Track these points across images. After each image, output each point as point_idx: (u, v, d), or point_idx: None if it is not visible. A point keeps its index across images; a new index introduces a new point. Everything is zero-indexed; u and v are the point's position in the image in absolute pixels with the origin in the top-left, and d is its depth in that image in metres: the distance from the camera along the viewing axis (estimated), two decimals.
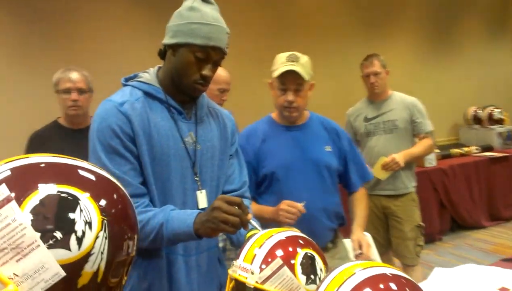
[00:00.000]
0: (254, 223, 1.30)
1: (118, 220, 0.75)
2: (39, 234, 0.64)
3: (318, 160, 2.09)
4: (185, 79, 1.44)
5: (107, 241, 0.70)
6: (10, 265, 0.63)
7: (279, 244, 1.20)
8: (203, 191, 1.53)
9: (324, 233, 2.11)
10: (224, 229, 1.24)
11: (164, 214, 1.35)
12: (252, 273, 1.16)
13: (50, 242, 0.64)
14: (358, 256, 2.05)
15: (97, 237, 0.68)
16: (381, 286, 0.83)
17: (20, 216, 0.64)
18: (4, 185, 0.65)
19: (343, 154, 2.19)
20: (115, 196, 0.76)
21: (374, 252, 2.27)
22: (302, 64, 1.98)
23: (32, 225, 0.64)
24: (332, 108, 5.20)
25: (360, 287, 0.84)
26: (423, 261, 3.41)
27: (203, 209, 1.49)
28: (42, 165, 0.73)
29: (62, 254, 0.65)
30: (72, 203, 0.68)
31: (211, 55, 1.42)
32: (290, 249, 1.19)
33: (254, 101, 4.65)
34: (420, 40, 6.33)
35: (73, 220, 0.67)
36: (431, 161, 4.79)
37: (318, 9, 5.41)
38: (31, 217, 0.64)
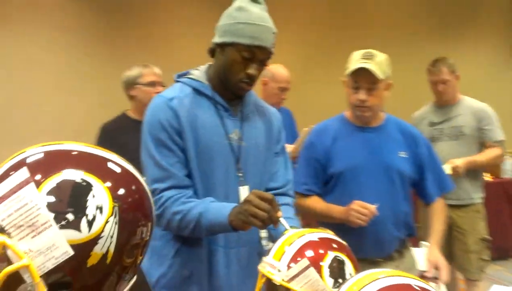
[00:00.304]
0: (283, 221, 1.30)
1: (133, 208, 0.80)
2: (52, 215, 0.70)
3: (390, 165, 2.00)
4: (231, 78, 1.48)
5: (117, 226, 0.74)
6: (26, 241, 0.69)
7: (310, 244, 1.20)
8: (246, 187, 1.56)
9: (390, 241, 2.03)
10: (252, 222, 1.26)
11: (203, 205, 1.41)
12: (279, 270, 1.17)
13: (62, 222, 0.70)
14: (431, 280, 1.91)
15: (107, 222, 0.73)
16: None
17: (36, 197, 0.70)
18: (25, 168, 0.72)
19: (420, 161, 2.07)
20: (133, 187, 0.82)
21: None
22: (378, 62, 1.91)
23: (47, 206, 0.70)
24: (402, 111, 5.07)
25: None
26: (492, 277, 3.22)
27: None
28: (74, 153, 0.80)
29: (73, 234, 0.70)
30: (85, 188, 0.73)
31: (257, 54, 1.46)
32: (321, 250, 1.18)
33: (318, 101, 4.64)
34: (498, 41, 5.93)
35: (85, 204, 0.72)
36: (507, 171, 4.49)
37: (389, 7, 5.25)
38: (47, 198, 0.70)
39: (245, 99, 1.60)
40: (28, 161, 0.76)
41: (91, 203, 0.72)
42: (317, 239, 1.22)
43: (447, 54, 5.27)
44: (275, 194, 1.61)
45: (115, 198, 0.76)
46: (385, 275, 0.89)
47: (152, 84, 2.67)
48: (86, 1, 4.03)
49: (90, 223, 0.72)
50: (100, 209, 0.73)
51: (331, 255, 1.18)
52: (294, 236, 1.23)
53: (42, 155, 0.78)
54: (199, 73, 1.58)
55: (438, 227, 2.10)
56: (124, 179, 0.81)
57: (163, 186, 1.45)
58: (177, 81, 1.59)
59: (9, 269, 0.67)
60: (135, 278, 0.85)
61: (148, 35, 4.23)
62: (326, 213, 2.01)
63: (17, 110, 3.89)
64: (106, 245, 0.73)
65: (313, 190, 2.09)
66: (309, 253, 1.18)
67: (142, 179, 0.85)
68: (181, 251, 1.53)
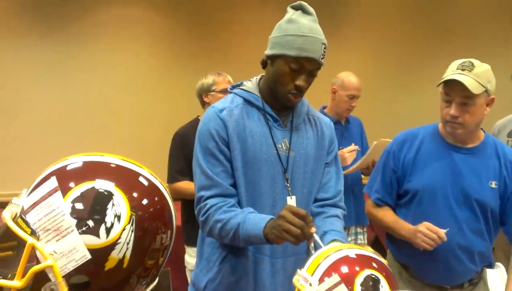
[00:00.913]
0: (317, 237, 1.28)
1: (153, 217, 0.86)
2: (75, 221, 0.77)
3: (472, 193, 1.78)
4: (280, 89, 1.50)
5: (133, 233, 0.80)
6: (52, 243, 0.77)
7: (345, 260, 1.15)
8: (293, 197, 1.56)
9: (462, 272, 1.84)
10: (285, 238, 1.26)
11: (242, 215, 1.42)
12: (311, 284, 1.16)
13: (83, 228, 0.77)
14: None
15: (124, 229, 0.80)
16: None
17: (62, 204, 0.78)
18: (54, 177, 0.81)
19: (510, 195, 1.81)
20: (156, 198, 0.89)
21: None
22: (476, 74, 1.67)
23: (70, 212, 0.78)
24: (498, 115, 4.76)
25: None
26: None
27: None
28: (112, 165, 0.89)
29: (92, 240, 0.78)
30: (106, 198, 0.80)
31: (305, 65, 1.46)
32: (356, 267, 1.13)
33: (394, 110, 4.48)
34: None
35: (105, 212, 0.79)
36: None
37: (474, 12, 4.94)
38: (71, 206, 0.78)
39: (296, 109, 1.60)
40: (63, 169, 0.85)
41: (110, 211, 0.79)
42: (354, 256, 1.17)
43: None
44: (325, 205, 1.63)
45: (133, 207, 0.82)
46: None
47: (225, 91, 2.78)
48: (173, 16, 4.26)
49: (108, 230, 0.78)
50: (118, 217, 0.80)
51: (366, 272, 1.12)
52: (330, 250, 1.20)
53: (80, 164, 0.87)
54: (251, 84, 1.61)
55: None
56: (149, 191, 0.88)
57: (208, 194, 1.48)
58: (231, 92, 1.64)
59: (36, 268, 0.76)
60: (155, 281, 0.91)
61: (226, 48, 4.37)
62: (393, 228, 1.88)
63: (102, 113, 4.20)
64: (123, 250, 0.80)
65: (385, 200, 1.95)
66: (344, 269, 1.14)
67: (166, 193, 0.91)
68: (229, 258, 1.56)
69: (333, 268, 1.14)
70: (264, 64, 1.59)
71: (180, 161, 2.65)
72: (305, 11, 1.50)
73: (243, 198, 1.52)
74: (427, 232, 1.70)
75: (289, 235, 1.24)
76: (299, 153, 1.58)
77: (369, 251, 1.23)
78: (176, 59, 4.33)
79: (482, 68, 1.71)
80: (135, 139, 4.24)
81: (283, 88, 1.49)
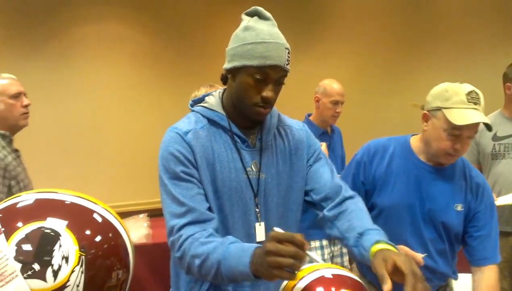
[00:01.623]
0: (312, 254, 1.14)
1: (107, 255, 0.83)
2: (20, 265, 0.74)
3: (438, 216, 1.77)
4: (246, 103, 1.37)
5: (83, 275, 0.77)
6: None
7: (321, 281, 1.12)
8: (262, 224, 1.45)
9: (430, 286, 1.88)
10: (279, 276, 1.07)
11: (222, 249, 1.24)
12: None
13: (29, 272, 0.74)
14: None
15: (73, 271, 0.76)
16: None
17: (5, 248, 0.75)
18: None
19: (474, 218, 1.79)
20: (110, 234, 0.85)
21: None
22: (483, 107, 1.65)
23: (14, 257, 0.74)
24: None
25: None
26: None
27: (261, 242, 1.38)
28: (67, 202, 0.86)
29: (38, 284, 0.74)
30: (53, 238, 0.77)
31: (270, 74, 1.33)
32: (332, 288, 1.10)
33: (378, 117, 4.47)
34: None
35: (51, 254, 0.75)
36: None
37: (457, 14, 4.95)
38: (15, 249, 0.75)
39: (265, 125, 1.48)
40: (13, 207, 0.82)
41: (57, 253, 0.76)
42: (330, 276, 1.14)
43: None
44: (336, 205, 1.45)
45: (83, 247, 0.79)
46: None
47: None
48: (156, 32, 4.25)
49: (55, 273, 0.75)
50: (66, 258, 0.76)
51: None
52: (306, 270, 1.17)
53: (32, 201, 0.84)
54: (214, 100, 1.48)
55: None
56: (102, 228, 0.85)
57: (182, 222, 1.32)
58: (192, 110, 1.51)
59: None
60: None
61: (210, 62, 4.37)
62: None
63: (87, 131, 4.17)
64: None
65: None
66: (319, 290, 1.12)
67: (122, 228, 0.88)
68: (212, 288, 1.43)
69: (308, 289, 1.11)
70: (224, 80, 1.46)
71: None
72: (261, 17, 1.38)
73: (218, 227, 1.38)
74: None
75: (282, 271, 1.06)
76: (270, 173, 1.46)
77: (345, 270, 1.19)
78: (160, 75, 4.31)
79: (482, 97, 1.67)
80: (121, 156, 4.20)
81: (249, 102, 1.36)
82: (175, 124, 1.44)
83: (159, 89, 4.30)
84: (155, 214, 3.55)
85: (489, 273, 1.76)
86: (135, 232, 3.03)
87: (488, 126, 1.65)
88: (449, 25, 4.92)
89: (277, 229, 1.14)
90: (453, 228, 1.78)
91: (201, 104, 1.50)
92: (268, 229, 1.45)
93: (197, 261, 1.25)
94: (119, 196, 3.92)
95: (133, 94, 4.26)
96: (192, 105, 1.52)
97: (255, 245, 1.20)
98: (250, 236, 1.42)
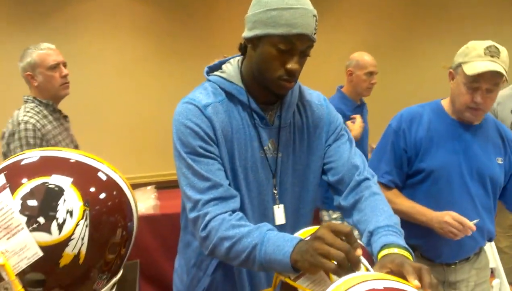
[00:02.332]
0: (365, 261, 1.00)
1: (111, 212, 0.84)
2: (25, 219, 0.75)
3: (486, 171, 1.82)
4: (269, 77, 1.26)
5: (88, 228, 0.79)
6: (2, 242, 0.76)
7: None
8: (281, 206, 1.38)
9: (471, 248, 1.89)
10: (323, 265, 0.96)
11: (259, 234, 1.15)
12: None
13: (34, 226, 0.75)
14: None
15: (77, 225, 0.78)
16: None
17: (11, 202, 0.76)
18: (2, 174, 0.79)
19: None
20: (114, 192, 0.86)
21: None
22: (503, 60, 1.66)
23: (20, 210, 0.76)
24: None
25: None
26: None
27: (281, 226, 1.36)
28: (71, 160, 0.87)
29: (44, 237, 0.76)
30: (57, 193, 0.78)
31: (296, 45, 1.21)
32: None
33: (390, 92, 4.42)
34: None
35: (56, 208, 0.77)
36: None
37: None
38: (20, 203, 0.76)
39: (285, 100, 1.37)
40: (17, 164, 0.83)
41: (62, 207, 0.77)
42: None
43: None
44: (353, 189, 1.35)
45: (87, 202, 0.80)
46: (375, 278, 0.85)
47: None
48: (156, 4, 4.20)
49: (60, 226, 0.76)
50: (70, 212, 0.78)
51: None
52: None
53: (37, 159, 0.85)
54: (232, 70, 1.36)
55: None
56: (107, 186, 0.86)
57: (207, 197, 1.22)
58: (208, 80, 1.39)
59: None
60: (119, 274, 0.90)
61: (210, 32, 4.33)
62: (411, 214, 1.78)
63: (90, 105, 4.17)
64: (78, 246, 0.78)
65: (395, 182, 1.88)
66: None
67: (126, 187, 0.89)
68: (221, 265, 1.39)
69: None
70: (243, 50, 1.35)
71: None
72: None
73: None
74: (456, 224, 1.66)
75: (327, 262, 0.96)
76: (287, 152, 1.38)
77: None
78: (162, 47, 4.29)
79: (505, 52, 1.69)
80: (126, 129, 4.22)
81: (273, 75, 1.25)
82: (191, 95, 1.34)
83: (161, 61, 4.29)
84: (162, 187, 3.59)
85: None
86: (143, 203, 3.07)
87: (501, 75, 1.65)
88: (459, 3, 4.83)
89: (364, 260, 1.00)
90: (498, 181, 1.84)
91: (218, 73, 1.38)
92: (285, 211, 1.39)
93: (226, 243, 1.17)
94: (124, 170, 3.94)
95: (135, 67, 4.25)
96: (208, 73, 1.41)
97: (299, 237, 1.11)
98: (266, 217, 1.35)
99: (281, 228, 1.30)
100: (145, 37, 4.26)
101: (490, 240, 1.94)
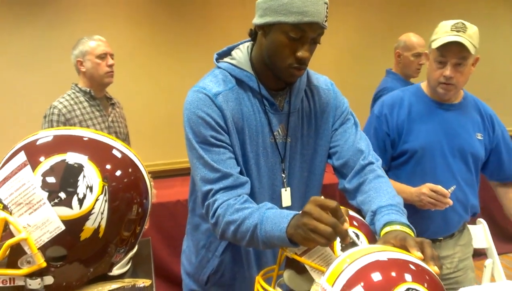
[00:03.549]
0: (352, 235, 1.07)
1: (128, 188, 0.87)
2: (46, 194, 0.78)
3: (466, 148, 1.90)
4: (279, 64, 1.27)
5: (107, 203, 0.81)
6: (24, 217, 0.78)
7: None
8: (288, 189, 1.41)
9: (457, 222, 1.94)
10: (314, 239, 1.02)
11: (259, 214, 1.20)
12: None
13: (55, 200, 0.78)
14: None
15: (97, 200, 0.80)
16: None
17: (32, 178, 0.78)
18: (22, 152, 0.81)
19: (494, 145, 1.96)
20: (130, 170, 0.89)
21: None
22: (470, 35, 1.75)
23: (41, 186, 0.78)
24: (477, 82, 4.76)
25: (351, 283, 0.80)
26: None
27: (287, 208, 1.39)
28: (85, 138, 0.89)
29: (65, 211, 0.78)
30: (76, 170, 0.80)
31: (308, 32, 1.21)
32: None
33: (370, 83, 4.47)
34: None
35: (76, 183, 0.79)
36: None
37: None
38: (41, 179, 0.78)
39: (294, 86, 1.39)
40: (33, 143, 0.85)
41: (82, 183, 0.80)
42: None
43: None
44: (357, 172, 1.38)
45: (106, 178, 0.82)
46: (380, 250, 0.88)
47: None
48: None
49: (81, 201, 0.79)
50: (90, 188, 0.80)
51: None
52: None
53: (51, 138, 0.87)
54: (242, 56, 1.38)
55: None
56: (122, 163, 0.89)
57: (217, 187, 1.26)
58: (218, 67, 1.40)
59: (10, 241, 0.77)
60: (135, 249, 0.93)
61: (206, 22, 4.32)
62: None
63: None
64: (98, 220, 0.80)
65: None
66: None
67: (141, 165, 0.92)
68: (230, 247, 1.42)
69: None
70: (253, 36, 1.35)
71: None
72: None
73: None
74: (432, 194, 1.73)
75: (318, 235, 1.01)
76: (295, 137, 1.41)
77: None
78: (158, 38, 4.26)
79: (473, 29, 1.76)
80: None
81: (283, 63, 1.26)
82: (201, 84, 1.35)
83: (157, 52, 4.27)
84: (157, 176, 3.60)
85: None
86: None
87: (463, 46, 1.71)
88: None
89: (352, 233, 1.07)
90: (478, 156, 1.90)
91: (228, 60, 1.39)
92: (292, 194, 1.42)
93: (232, 227, 1.21)
94: None
95: (131, 58, 4.23)
96: (217, 60, 1.42)
97: (294, 212, 1.14)
98: (274, 200, 1.38)
99: (288, 209, 1.34)
100: (140, 28, 4.23)
101: (474, 215, 2.00)
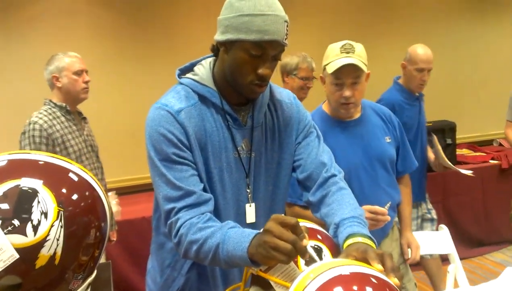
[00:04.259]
0: (312, 252, 1.10)
1: (85, 212, 0.85)
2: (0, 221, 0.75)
3: (383, 155, 1.97)
4: (241, 81, 1.28)
5: (62, 229, 0.79)
6: None
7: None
8: (253, 205, 1.41)
9: (389, 224, 2.02)
10: (274, 257, 1.02)
11: (221, 233, 1.19)
12: None
13: (9, 228, 0.76)
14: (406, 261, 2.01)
15: (52, 226, 0.78)
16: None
17: None
18: None
19: (397, 142, 2.07)
20: (86, 193, 0.87)
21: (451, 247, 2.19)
22: (359, 54, 1.81)
23: None
24: (446, 91, 4.90)
25: None
26: None
27: (251, 224, 1.40)
28: (40, 162, 0.87)
29: (19, 239, 0.76)
30: (31, 195, 0.78)
31: (268, 50, 1.23)
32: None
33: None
34: None
35: (30, 210, 0.77)
36: None
37: None
38: None
39: (257, 102, 1.39)
40: None
41: (36, 209, 0.78)
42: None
43: (479, 31, 5.11)
44: (320, 186, 1.40)
45: (61, 203, 0.80)
46: (342, 264, 0.90)
47: (305, 79, 2.87)
48: (115, 7, 4.14)
49: (35, 228, 0.77)
50: (45, 214, 0.78)
51: (308, 244, 1.03)
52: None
53: (5, 162, 0.85)
54: (204, 72, 1.37)
55: (406, 210, 2.16)
56: (79, 186, 0.87)
57: (179, 206, 1.26)
58: (181, 83, 1.39)
59: None
60: (93, 275, 0.91)
61: (170, 36, 4.30)
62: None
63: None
64: (53, 247, 0.79)
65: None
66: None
67: (98, 187, 0.90)
68: (195, 265, 1.41)
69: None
70: (215, 51, 1.35)
71: None
72: None
73: None
74: (372, 216, 1.72)
75: (278, 253, 1.01)
76: (260, 152, 1.41)
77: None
78: (119, 51, 4.21)
79: (359, 47, 1.84)
80: None
81: (244, 79, 1.27)
82: (163, 100, 1.33)
83: (121, 65, 4.21)
84: (123, 192, 3.54)
85: (404, 181, 2.16)
86: None
87: (356, 66, 1.78)
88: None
89: (311, 249, 1.10)
90: (393, 158, 2.01)
91: (191, 76, 1.39)
92: (258, 209, 1.43)
93: (194, 246, 1.21)
94: None
95: (93, 71, 4.15)
96: (179, 76, 1.41)
97: (256, 231, 1.14)
98: (240, 216, 1.39)
99: (252, 226, 1.35)
100: (103, 40, 4.18)
101: (398, 205, 2.11)
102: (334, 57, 1.83)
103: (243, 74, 1.25)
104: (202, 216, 1.24)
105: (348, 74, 1.82)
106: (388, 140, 2.00)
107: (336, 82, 1.85)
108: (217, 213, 1.33)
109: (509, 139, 3.11)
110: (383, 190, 1.94)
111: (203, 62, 1.40)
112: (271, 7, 1.21)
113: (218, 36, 1.27)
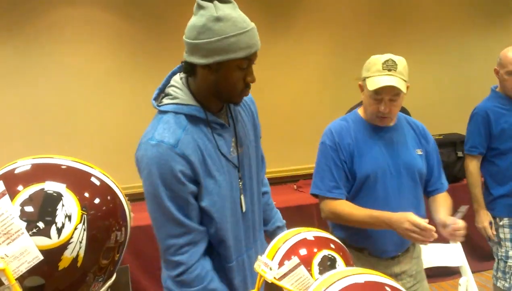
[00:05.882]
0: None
1: (106, 216, 0.87)
2: (25, 224, 0.78)
3: (411, 165, 1.98)
4: (234, 94, 1.42)
5: (85, 232, 0.81)
6: (2, 247, 0.77)
7: (303, 243, 1.23)
8: (243, 195, 1.59)
9: (408, 240, 2.01)
10: None
11: None
12: (271, 269, 1.21)
13: (34, 230, 0.78)
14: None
15: (75, 229, 0.80)
16: None
17: (10, 208, 0.78)
18: (1, 181, 0.81)
19: (430, 157, 2.08)
20: (108, 197, 0.90)
21: None
22: (400, 72, 1.83)
23: (19, 216, 0.78)
24: (450, 103, 4.90)
25: None
26: None
27: (245, 213, 1.57)
28: (63, 166, 0.89)
29: (43, 241, 0.78)
30: (55, 199, 0.81)
31: (253, 60, 1.40)
32: (314, 249, 1.20)
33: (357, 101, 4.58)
34: None
35: (55, 213, 0.79)
36: None
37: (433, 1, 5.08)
38: (19, 209, 0.78)
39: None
40: (11, 172, 0.85)
41: (61, 212, 0.80)
42: (312, 238, 1.24)
43: (490, 44, 5.11)
44: (264, 194, 1.77)
45: (84, 206, 0.83)
46: (356, 273, 0.92)
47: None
48: (131, 17, 4.20)
49: (59, 230, 0.79)
50: (68, 217, 0.80)
51: (323, 253, 1.20)
52: (289, 234, 1.27)
53: (29, 167, 0.87)
54: (184, 94, 1.45)
55: (445, 206, 2.01)
56: (101, 191, 0.89)
57: (180, 243, 1.40)
58: (162, 111, 1.46)
59: None
60: (113, 278, 0.93)
61: (182, 46, 4.36)
62: (371, 223, 1.87)
63: (62, 117, 4.12)
64: (76, 249, 0.81)
65: (344, 194, 2.00)
66: (302, 251, 1.21)
67: (119, 191, 0.93)
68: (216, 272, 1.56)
69: (292, 251, 1.20)
70: (190, 72, 1.43)
71: None
72: (222, 0, 1.32)
73: (212, 212, 1.50)
74: (414, 229, 1.71)
75: None
76: (246, 144, 1.57)
77: (325, 233, 1.29)
78: (134, 60, 4.28)
79: (402, 64, 1.85)
80: (97, 141, 4.18)
81: (237, 91, 1.41)
82: (157, 136, 1.38)
83: (134, 73, 4.28)
84: (135, 199, 3.56)
85: (446, 195, 2.06)
86: None
87: (397, 88, 1.81)
88: (421, 12, 5.04)
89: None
90: (423, 171, 2.01)
91: (171, 101, 1.45)
92: (246, 198, 1.57)
93: None
94: None
95: (108, 78, 4.23)
96: (159, 105, 1.47)
97: None
98: (235, 205, 1.52)
99: (244, 214, 1.53)
100: (119, 48, 4.24)
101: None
102: (375, 73, 1.84)
103: (237, 88, 1.39)
104: (208, 272, 1.45)
105: (388, 92, 1.84)
106: (420, 153, 2.01)
107: (375, 97, 1.88)
108: (218, 209, 1.47)
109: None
110: (407, 199, 1.95)
111: (173, 83, 1.48)
112: (246, 21, 1.33)
113: (200, 60, 1.34)
